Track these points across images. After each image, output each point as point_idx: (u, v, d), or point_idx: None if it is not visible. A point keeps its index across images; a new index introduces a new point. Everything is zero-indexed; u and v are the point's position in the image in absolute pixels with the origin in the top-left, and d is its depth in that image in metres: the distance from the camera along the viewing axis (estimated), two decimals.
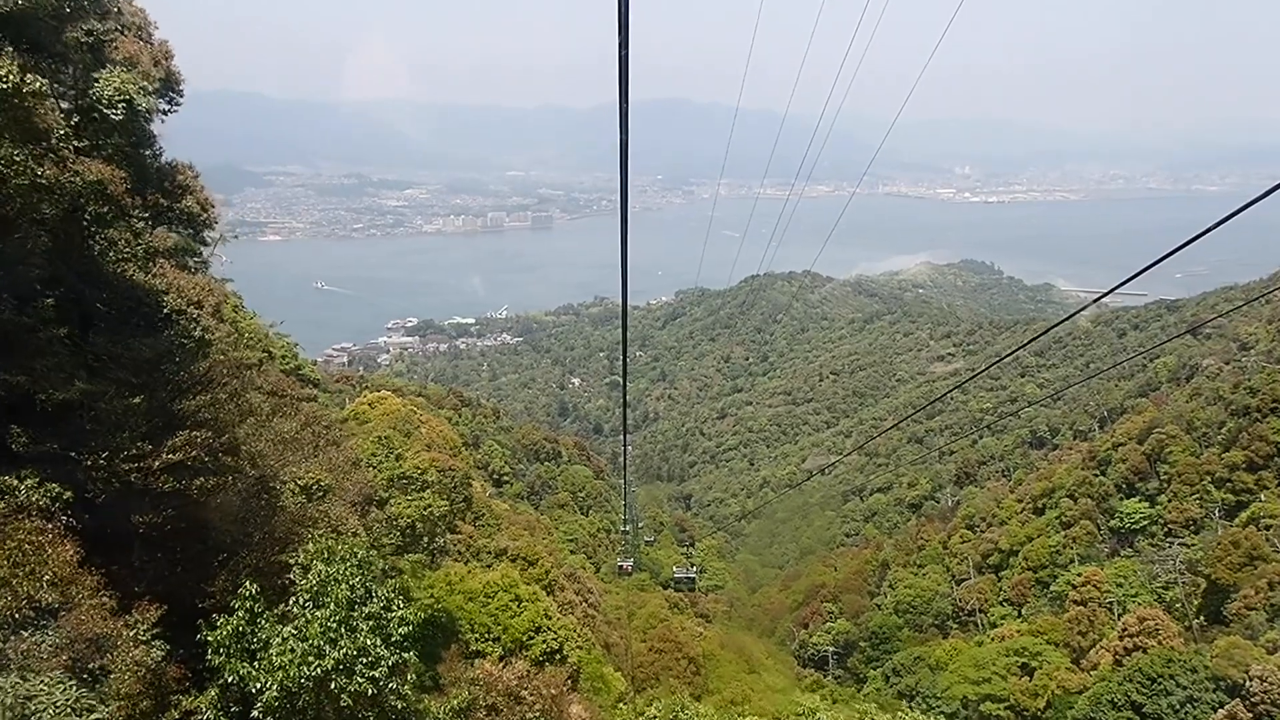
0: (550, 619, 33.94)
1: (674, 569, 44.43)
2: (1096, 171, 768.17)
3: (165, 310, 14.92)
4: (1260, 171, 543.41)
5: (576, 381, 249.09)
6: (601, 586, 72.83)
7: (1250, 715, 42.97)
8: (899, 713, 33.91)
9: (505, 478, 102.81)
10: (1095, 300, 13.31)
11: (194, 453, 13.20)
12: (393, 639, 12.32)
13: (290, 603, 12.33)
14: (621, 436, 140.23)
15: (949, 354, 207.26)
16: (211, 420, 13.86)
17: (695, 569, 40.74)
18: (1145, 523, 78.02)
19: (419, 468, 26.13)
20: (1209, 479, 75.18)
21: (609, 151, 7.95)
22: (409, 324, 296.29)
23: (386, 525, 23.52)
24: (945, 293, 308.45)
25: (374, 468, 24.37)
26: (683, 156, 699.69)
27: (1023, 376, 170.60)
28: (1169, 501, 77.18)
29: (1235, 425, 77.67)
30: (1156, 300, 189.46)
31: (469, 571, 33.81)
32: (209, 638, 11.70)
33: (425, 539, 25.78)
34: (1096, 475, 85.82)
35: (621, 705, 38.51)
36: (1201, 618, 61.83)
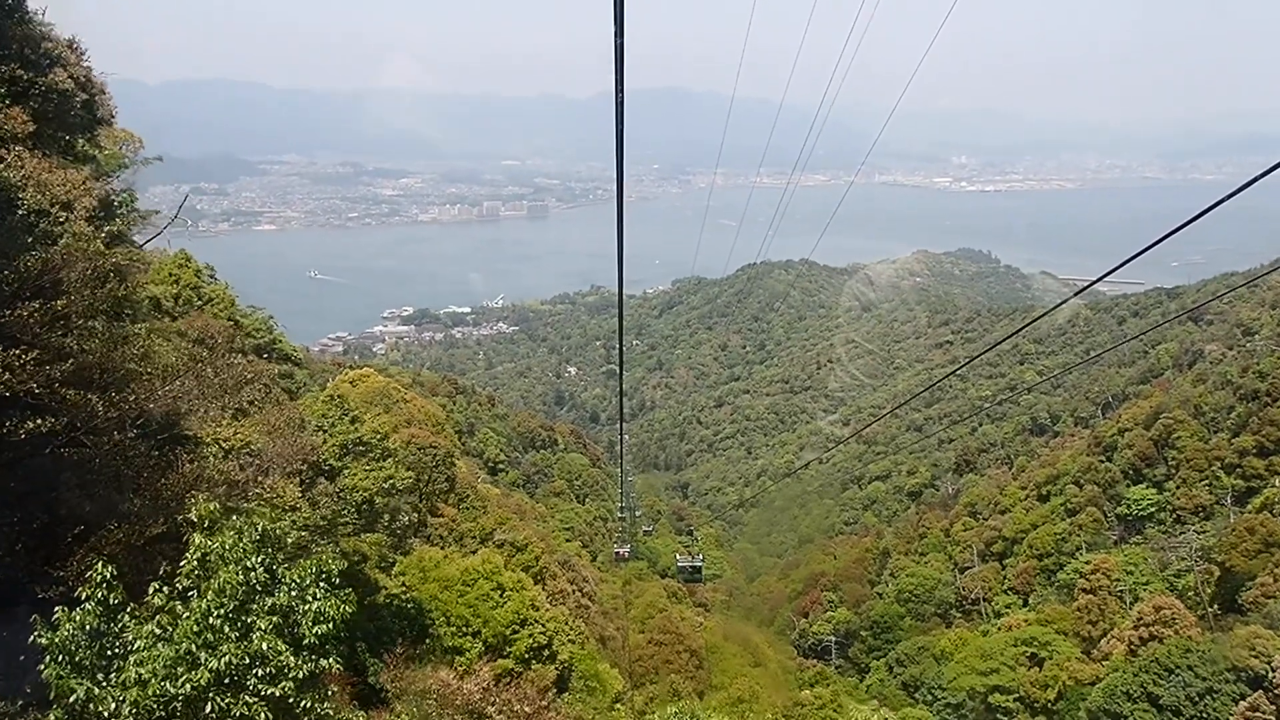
0: (538, 610, 30.87)
1: (676, 557, 40.80)
2: (1093, 161, 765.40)
3: (20, 210, 12.06)
4: (1255, 160, 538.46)
5: (573, 370, 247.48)
6: (598, 575, 70.96)
7: (1274, 707, 41.24)
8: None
9: (500, 465, 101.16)
10: (1089, 286, 12.36)
11: (10, 379, 10.03)
12: (305, 641, 9.47)
13: (151, 592, 9.28)
14: (618, 425, 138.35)
15: (947, 341, 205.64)
16: (72, 347, 10.79)
17: (700, 557, 37.22)
18: (1153, 509, 76.41)
19: (378, 432, 22.80)
20: (1218, 465, 73.55)
21: (606, 141, 7.55)
22: (404, 313, 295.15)
23: (337, 499, 20.52)
24: (942, 281, 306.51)
25: (324, 431, 21.40)
26: (679, 146, 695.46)
27: (1021, 364, 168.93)
28: (1177, 488, 75.52)
29: (1244, 410, 76.10)
30: (1155, 288, 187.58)
31: (445, 556, 30.96)
32: (42, 640, 8.69)
33: (387, 517, 22.53)
34: (1102, 461, 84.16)
35: (619, 706, 36.13)
36: (1215, 606, 60.17)
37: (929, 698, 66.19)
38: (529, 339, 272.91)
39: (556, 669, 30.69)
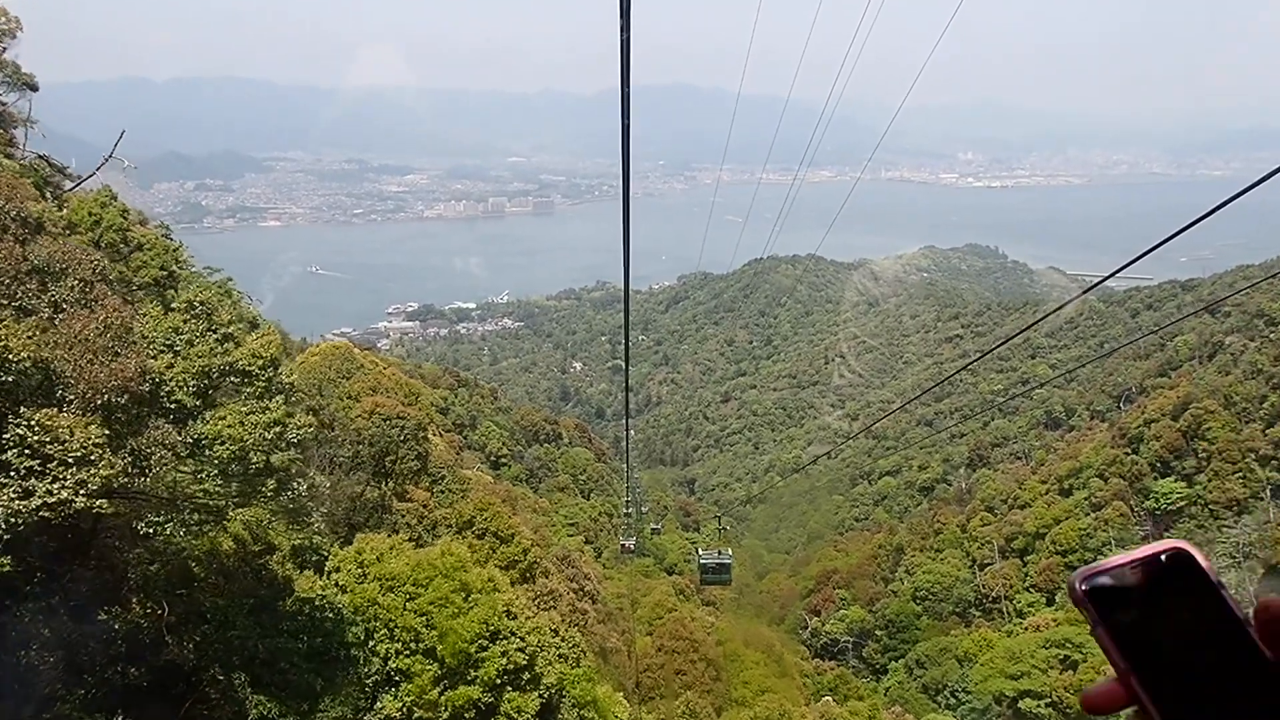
0: (515, 619, 24.40)
1: (699, 552, 33.35)
2: (1100, 156, 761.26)
3: None
4: (1263, 156, 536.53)
5: (578, 366, 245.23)
6: (601, 573, 67.66)
7: None
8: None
9: (503, 459, 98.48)
10: (1100, 282, 12.73)
11: None
12: None
13: None
14: (624, 421, 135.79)
15: (957, 335, 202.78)
16: None
17: (729, 553, 30.59)
18: (1184, 503, 73.24)
19: (260, 355, 15.09)
20: (1252, 456, 70.39)
21: (611, 137, 7.14)
22: (409, 309, 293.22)
23: (188, 453, 13.73)
24: (950, 276, 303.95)
25: (173, 351, 14.27)
26: (685, 142, 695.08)
27: (1033, 358, 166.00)
28: (1209, 481, 72.34)
29: (1278, 399, 73.03)
30: (1169, 280, 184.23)
31: (391, 547, 24.34)
32: None
33: (273, 481, 14.92)
34: (1127, 454, 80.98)
35: None
36: None
37: (952, 701, 63.20)
38: (534, 334, 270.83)
39: (540, 696, 24.24)
